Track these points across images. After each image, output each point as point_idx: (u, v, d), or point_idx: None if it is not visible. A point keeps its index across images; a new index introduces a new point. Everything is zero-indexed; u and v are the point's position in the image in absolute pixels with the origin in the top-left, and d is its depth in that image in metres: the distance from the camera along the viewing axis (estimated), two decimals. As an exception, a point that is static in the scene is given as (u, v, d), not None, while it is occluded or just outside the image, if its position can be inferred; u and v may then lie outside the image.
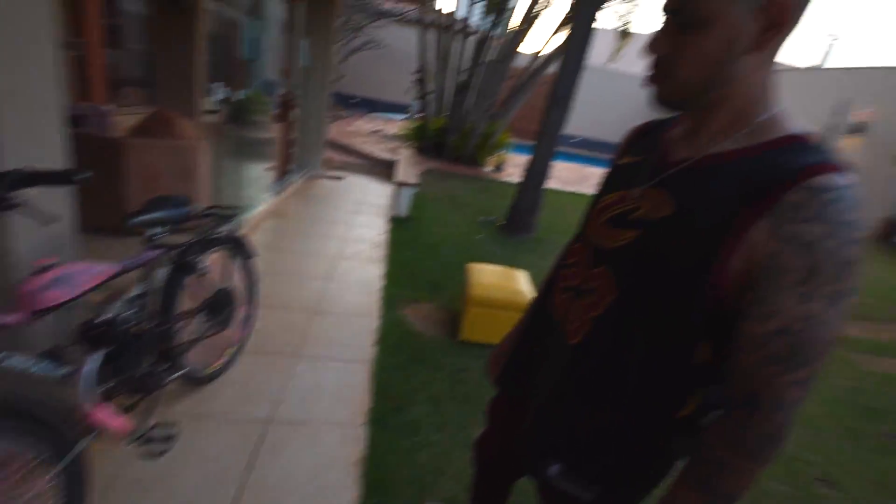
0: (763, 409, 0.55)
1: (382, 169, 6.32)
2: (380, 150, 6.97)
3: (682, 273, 0.60)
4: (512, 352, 0.97)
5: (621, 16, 7.98)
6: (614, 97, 14.05)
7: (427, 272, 3.31)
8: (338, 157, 6.33)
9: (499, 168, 7.61)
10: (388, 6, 11.37)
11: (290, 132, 4.76)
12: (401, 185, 4.40)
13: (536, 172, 4.42)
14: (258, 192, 3.85)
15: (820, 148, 0.56)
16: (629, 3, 7.76)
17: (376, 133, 8.74)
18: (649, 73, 0.63)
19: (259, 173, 3.94)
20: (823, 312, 0.52)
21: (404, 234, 4.00)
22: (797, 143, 0.57)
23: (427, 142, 7.57)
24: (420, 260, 3.51)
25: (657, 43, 0.60)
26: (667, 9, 0.59)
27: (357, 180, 5.76)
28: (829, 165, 0.53)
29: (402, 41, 12.39)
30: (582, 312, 0.72)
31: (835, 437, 2.38)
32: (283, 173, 4.70)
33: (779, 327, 0.53)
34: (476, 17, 8.25)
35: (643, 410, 0.68)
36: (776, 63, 0.60)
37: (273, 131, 4.20)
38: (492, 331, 2.50)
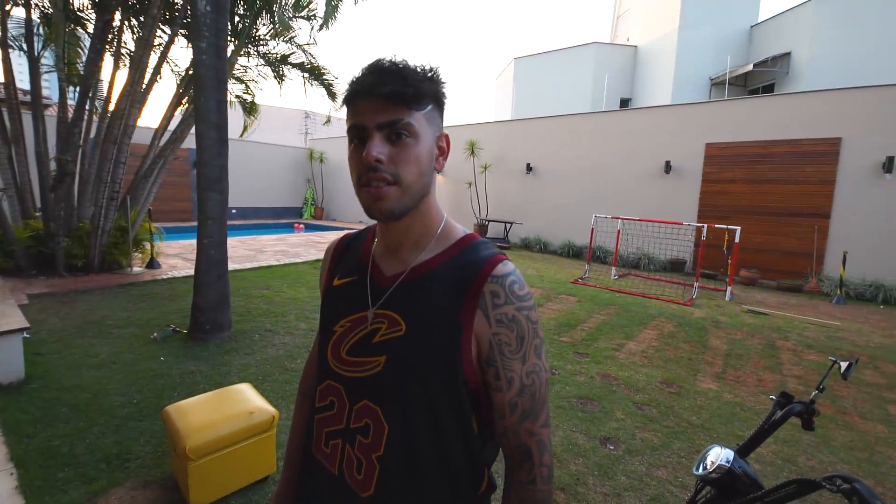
0: (537, 456, 0.68)
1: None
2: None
3: (440, 379, 0.66)
4: None
5: (237, 95, 8.20)
6: (258, 165, 14.37)
7: (96, 445, 2.29)
8: None
9: (152, 264, 6.21)
10: None
11: None
12: (-8, 335, 2.85)
13: (213, 262, 3.87)
14: None
15: (485, 241, 0.74)
16: (243, 85, 8.09)
17: None
18: (375, 184, 0.62)
19: None
20: (537, 362, 0.68)
21: (29, 407, 2.62)
22: (472, 244, 0.72)
23: (18, 258, 5.27)
24: (75, 434, 2.38)
25: (378, 147, 0.61)
26: (381, 125, 0.61)
27: None
28: (498, 256, 0.69)
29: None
30: (363, 457, 0.69)
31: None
32: None
33: (519, 388, 0.67)
34: (51, 89, 6.42)
35: None
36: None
37: None
38: (233, 475, 2.02)
